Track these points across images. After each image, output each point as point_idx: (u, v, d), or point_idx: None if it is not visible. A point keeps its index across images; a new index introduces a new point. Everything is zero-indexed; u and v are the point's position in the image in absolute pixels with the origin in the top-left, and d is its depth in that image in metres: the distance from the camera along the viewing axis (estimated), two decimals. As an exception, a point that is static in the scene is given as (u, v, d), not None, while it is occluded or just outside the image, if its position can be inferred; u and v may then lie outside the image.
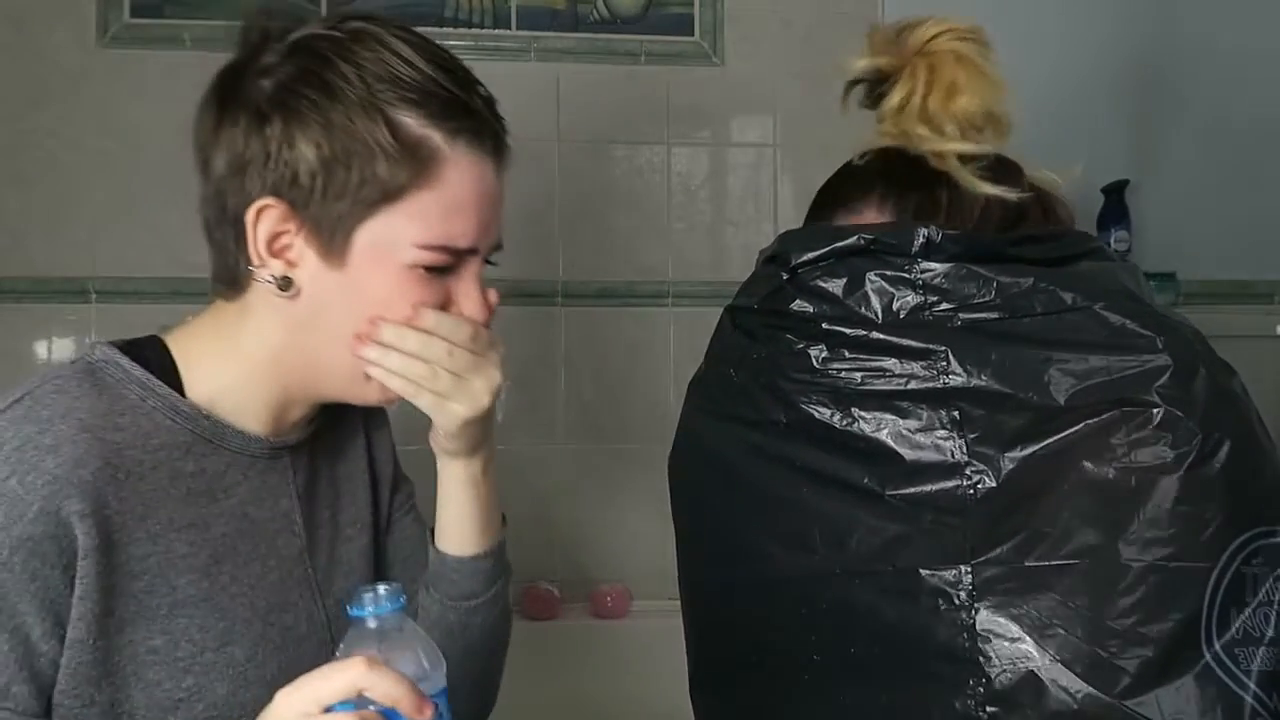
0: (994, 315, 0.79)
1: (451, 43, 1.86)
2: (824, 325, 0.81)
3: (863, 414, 0.79)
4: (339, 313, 0.80)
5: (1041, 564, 0.74)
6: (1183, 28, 1.97)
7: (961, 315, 0.80)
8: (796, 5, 1.94)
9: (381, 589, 0.66)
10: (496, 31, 1.89)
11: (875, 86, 0.93)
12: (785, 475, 0.82)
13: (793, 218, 1.96)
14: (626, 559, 1.93)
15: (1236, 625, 0.73)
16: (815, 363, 0.81)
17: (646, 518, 1.94)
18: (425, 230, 0.79)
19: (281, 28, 0.81)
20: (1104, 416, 0.75)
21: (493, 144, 0.82)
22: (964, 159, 0.87)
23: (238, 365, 0.82)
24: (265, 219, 0.78)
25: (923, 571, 0.76)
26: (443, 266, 0.81)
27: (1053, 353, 0.77)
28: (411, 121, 0.78)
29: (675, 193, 1.95)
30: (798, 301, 0.83)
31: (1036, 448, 0.75)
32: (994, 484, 0.76)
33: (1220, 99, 1.96)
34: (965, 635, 0.74)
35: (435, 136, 0.78)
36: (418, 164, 0.77)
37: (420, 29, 1.87)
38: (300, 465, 0.88)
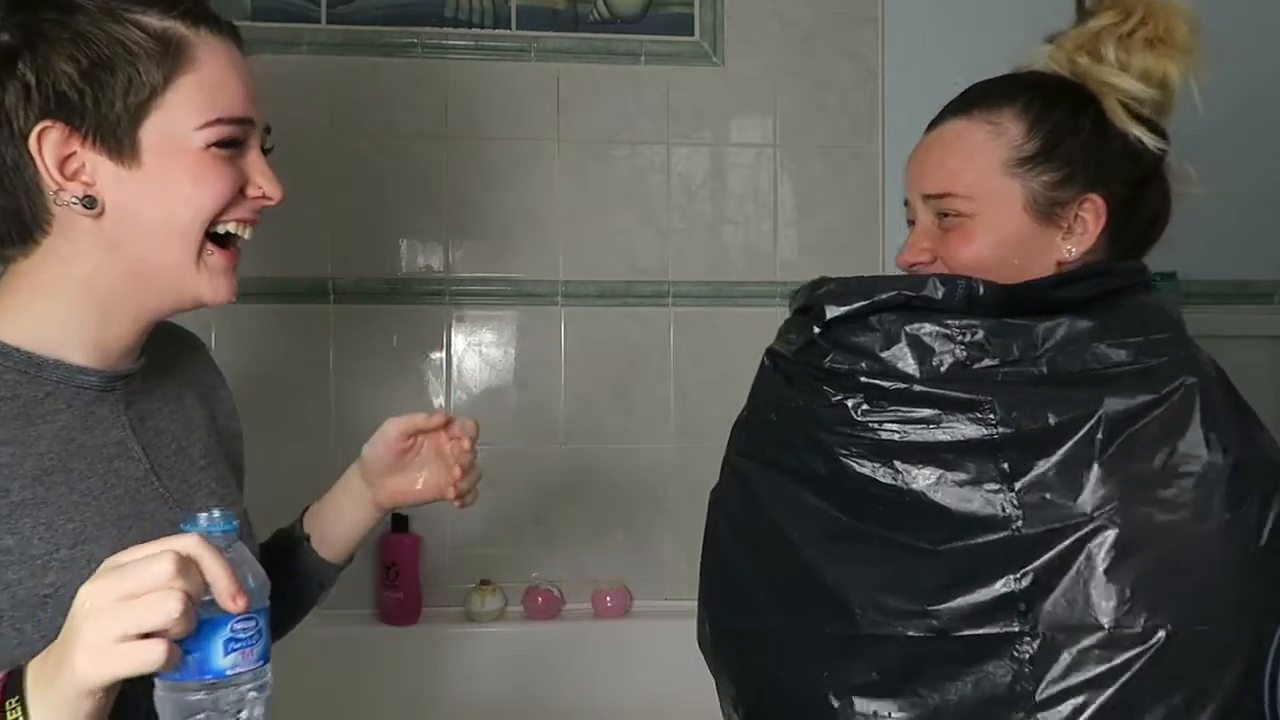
0: (1040, 371, 0.78)
1: (451, 42, 1.88)
2: (862, 379, 0.79)
3: (907, 467, 0.77)
4: (150, 211, 0.83)
5: (1094, 627, 0.72)
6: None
7: (1004, 370, 0.78)
8: (796, 5, 1.94)
9: (216, 512, 0.67)
10: (496, 31, 1.89)
11: (1084, 10, 0.95)
12: (829, 531, 0.80)
13: (793, 217, 1.96)
14: (626, 559, 1.93)
15: None
16: (854, 415, 0.79)
17: (646, 518, 1.94)
18: (201, 111, 0.83)
19: None
20: (1154, 473, 0.73)
21: (229, 27, 0.88)
22: (1125, 103, 0.89)
23: (48, 302, 0.84)
24: (47, 142, 0.80)
25: (974, 633, 0.74)
26: (230, 141, 0.85)
27: (1102, 404, 0.75)
28: (151, 19, 0.82)
29: (675, 193, 1.94)
30: (832, 358, 0.81)
31: (1088, 507, 0.74)
32: (1045, 540, 0.74)
33: (1220, 99, 1.96)
34: (1023, 702, 0.72)
35: (178, 26, 0.83)
36: (173, 53, 0.82)
37: (420, 29, 1.89)
38: (134, 401, 0.90)
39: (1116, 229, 0.92)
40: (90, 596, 0.62)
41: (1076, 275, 0.85)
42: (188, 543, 0.63)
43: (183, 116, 0.82)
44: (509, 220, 1.91)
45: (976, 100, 0.95)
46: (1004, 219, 0.91)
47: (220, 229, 0.86)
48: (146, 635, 0.60)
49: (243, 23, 1.79)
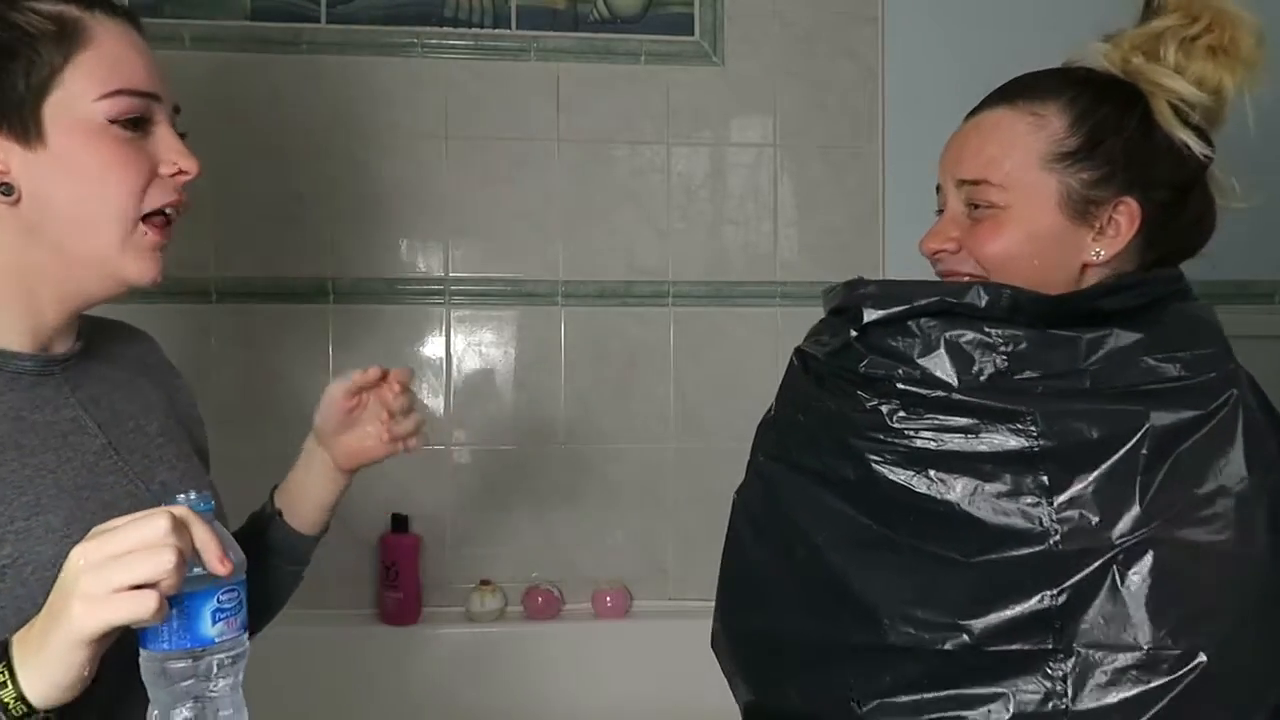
0: (1083, 384, 0.76)
1: (451, 42, 1.88)
2: (899, 385, 0.78)
3: (942, 475, 0.76)
4: (62, 192, 0.84)
5: (1132, 647, 0.71)
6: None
7: (1046, 382, 0.76)
8: (796, 5, 1.94)
9: (193, 494, 0.70)
10: (496, 31, 1.89)
11: (1149, 10, 0.93)
12: (857, 538, 0.78)
13: (793, 217, 1.96)
14: (626, 559, 1.93)
15: None
16: (889, 421, 0.78)
17: (647, 518, 1.94)
18: (99, 83, 0.84)
19: None
20: (1198, 492, 0.72)
21: (125, 12, 0.88)
22: (1175, 106, 0.87)
23: None
24: None
25: (1006, 648, 0.72)
26: (134, 118, 0.85)
27: (1148, 419, 0.73)
28: (44, 4, 0.84)
29: (675, 193, 1.94)
30: (868, 363, 0.80)
31: (1130, 525, 0.72)
32: (1084, 556, 0.72)
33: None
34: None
35: (71, 9, 0.84)
36: (69, 34, 0.83)
37: (420, 29, 1.89)
38: (82, 384, 0.91)
39: (1151, 235, 0.90)
40: (85, 554, 0.65)
41: (1122, 284, 0.83)
42: (178, 509, 0.67)
43: (82, 90, 0.83)
44: (509, 220, 1.91)
45: (1022, 90, 0.93)
46: (1037, 214, 0.89)
47: (146, 209, 0.86)
48: (139, 589, 0.63)
49: (243, 23, 1.81)
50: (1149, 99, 0.89)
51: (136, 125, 0.86)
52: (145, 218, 0.87)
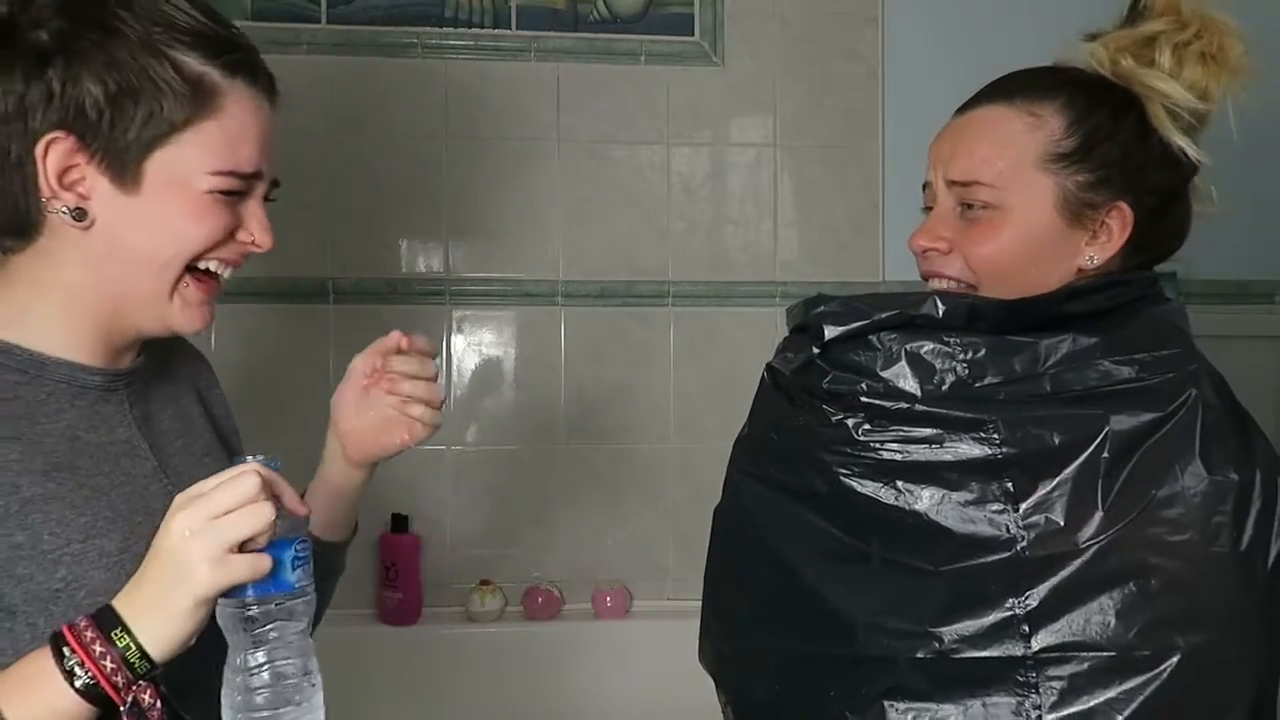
0: (1043, 389, 0.76)
1: (451, 42, 1.88)
2: (863, 399, 0.78)
3: (909, 486, 0.76)
4: (138, 238, 0.84)
5: (1102, 651, 0.71)
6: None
7: (1007, 388, 0.76)
8: (796, 5, 1.94)
9: (259, 456, 0.75)
10: (496, 31, 1.89)
11: (1135, 12, 0.93)
12: (830, 552, 0.79)
13: (793, 217, 1.96)
14: (626, 559, 1.93)
15: None
16: (855, 434, 0.78)
17: (647, 518, 1.94)
18: (214, 158, 0.84)
19: None
20: (1160, 494, 0.72)
21: (266, 80, 0.89)
22: (1169, 109, 0.87)
23: (44, 303, 0.86)
24: (54, 151, 0.81)
25: (977, 655, 0.72)
26: (234, 191, 0.86)
27: (1108, 423, 0.74)
28: (191, 60, 0.83)
29: (675, 193, 1.94)
30: (831, 379, 0.80)
31: (1094, 528, 0.72)
32: (1051, 562, 0.72)
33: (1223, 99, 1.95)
34: None
35: (214, 73, 0.84)
36: (200, 98, 0.83)
37: (420, 29, 1.89)
38: (138, 401, 0.92)
39: (1138, 241, 0.89)
40: (187, 522, 0.71)
41: (1087, 287, 0.83)
42: (256, 466, 0.72)
43: (195, 158, 0.83)
44: (509, 220, 1.91)
45: (1019, 88, 0.91)
46: (1034, 215, 0.88)
47: (201, 264, 0.87)
48: (243, 549, 0.70)
49: (243, 23, 1.79)
50: (1144, 103, 0.88)
51: (233, 193, 0.87)
52: (191, 270, 0.87)
